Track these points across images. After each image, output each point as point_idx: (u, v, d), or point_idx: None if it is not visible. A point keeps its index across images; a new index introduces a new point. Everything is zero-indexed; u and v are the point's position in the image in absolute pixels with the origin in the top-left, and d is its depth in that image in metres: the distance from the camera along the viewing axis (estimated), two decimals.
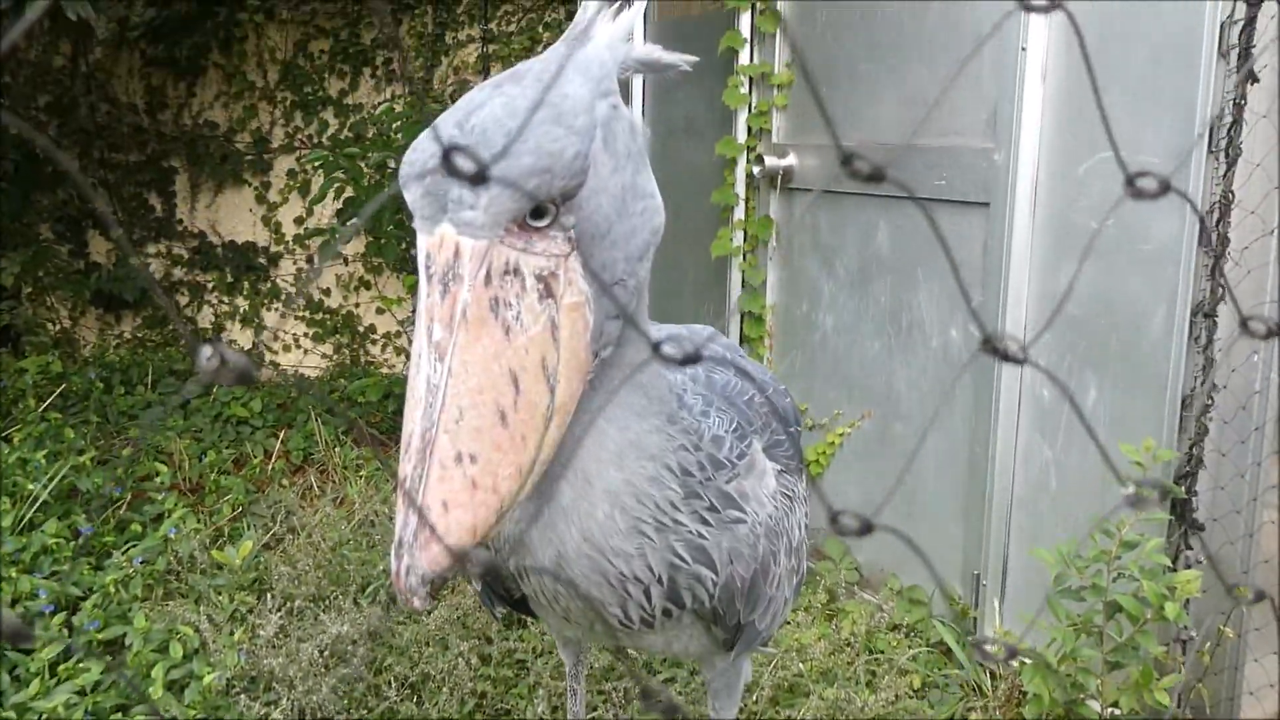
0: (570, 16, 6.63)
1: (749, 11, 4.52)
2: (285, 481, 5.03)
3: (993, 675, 3.42)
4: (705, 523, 1.56)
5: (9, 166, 6.97)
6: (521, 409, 1.21)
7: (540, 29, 6.65)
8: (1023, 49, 3.27)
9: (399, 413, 6.25)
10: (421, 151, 1.20)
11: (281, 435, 5.63)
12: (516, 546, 1.56)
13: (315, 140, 7.16)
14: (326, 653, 3.29)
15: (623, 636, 1.80)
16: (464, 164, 1.14)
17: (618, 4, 1.38)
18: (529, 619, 3.59)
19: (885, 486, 4.05)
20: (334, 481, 5.14)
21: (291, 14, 7.01)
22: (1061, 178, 3.27)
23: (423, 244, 1.22)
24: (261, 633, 3.36)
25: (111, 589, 3.58)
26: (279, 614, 3.49)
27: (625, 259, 1.31)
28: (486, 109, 1.20)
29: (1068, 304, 3.25)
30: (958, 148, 3.58)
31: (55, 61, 7.45)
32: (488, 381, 1.19)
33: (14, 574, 3.62)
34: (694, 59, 1.47)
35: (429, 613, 3.50)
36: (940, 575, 3.80)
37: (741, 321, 4.74)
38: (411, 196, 1.21)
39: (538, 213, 1.21)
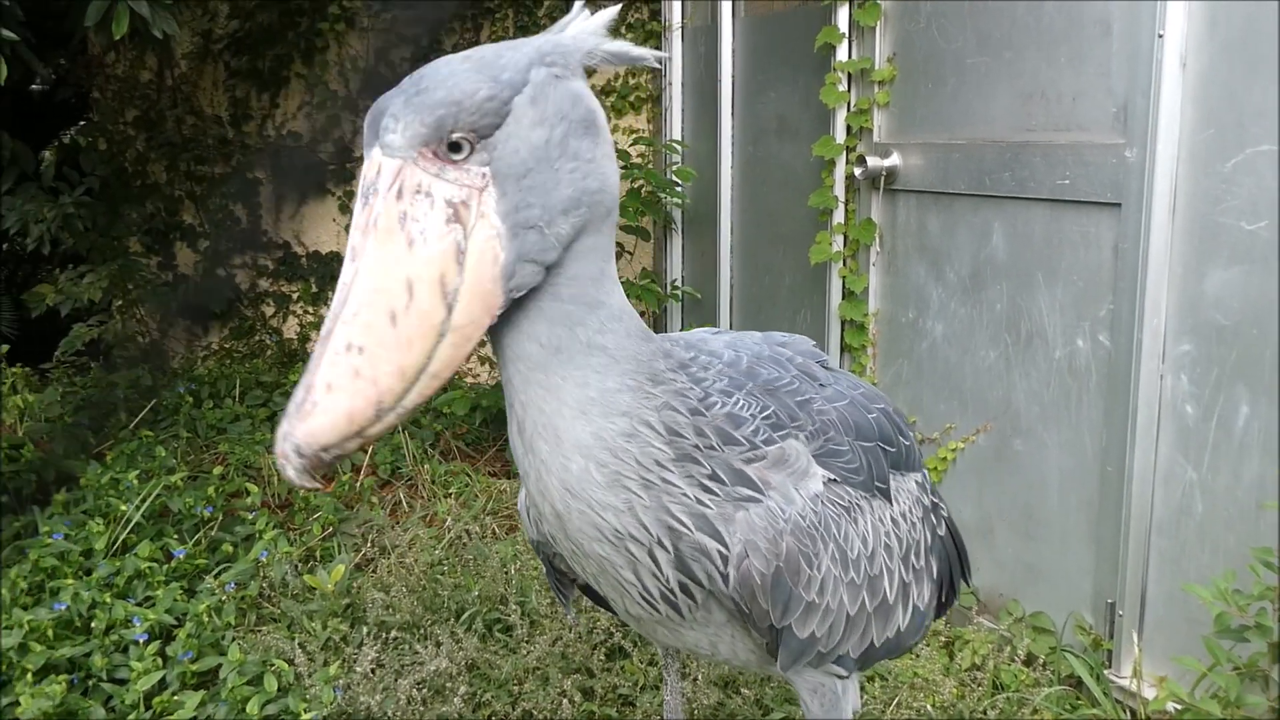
0: (654, 16, 6.49)
1: (846, 5, 4.31)
2: (374, 498, 4.94)
3: (1133, 715, 3.17)
4: (707, 490, 1.59)
5: (95, 181, 7.02)
6: (412, 315, 1.32)
7: (623, 29, 6.49)
8: (1159, 35, 3.02)
9: (485, 424, 6.16)
10: (380, 98, 1.39)
11: (369, 449, 5.55)
12: (533, 506, 1.66)
13: None
14: (424, 688, 3.17)
15: (666, 633, 1.84)
16: (394, 101, 1.36)
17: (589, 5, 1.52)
18: (632, 650, 3.44)
19: (1003, 505, 3.81)
20: (423, 498, 5.04)
21: (372, 22, 6.95)
22: (1205, 175, 3.01)
23: (362, 170, 1.38)
24: (357, 667, 3.25)
25: (205, 616, 3.50)
26: (374, 645, 3.37)
27: (543, 206, 1.38)
28: (432, 64, 1.40)
29: (1215, 313, 3.00)
30: (1083, 144, 3.34)
31: (142, 76, 7.49)
32: (385, 284, 1.32)
33: (108, 599, 3.56)
34: (660, 54, 1.60)
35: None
36: (1069, 602, 3.55)
37: (842, 330, 4.53)
38: (364, 131, 1.39)
39: (455, 147, 1.34)
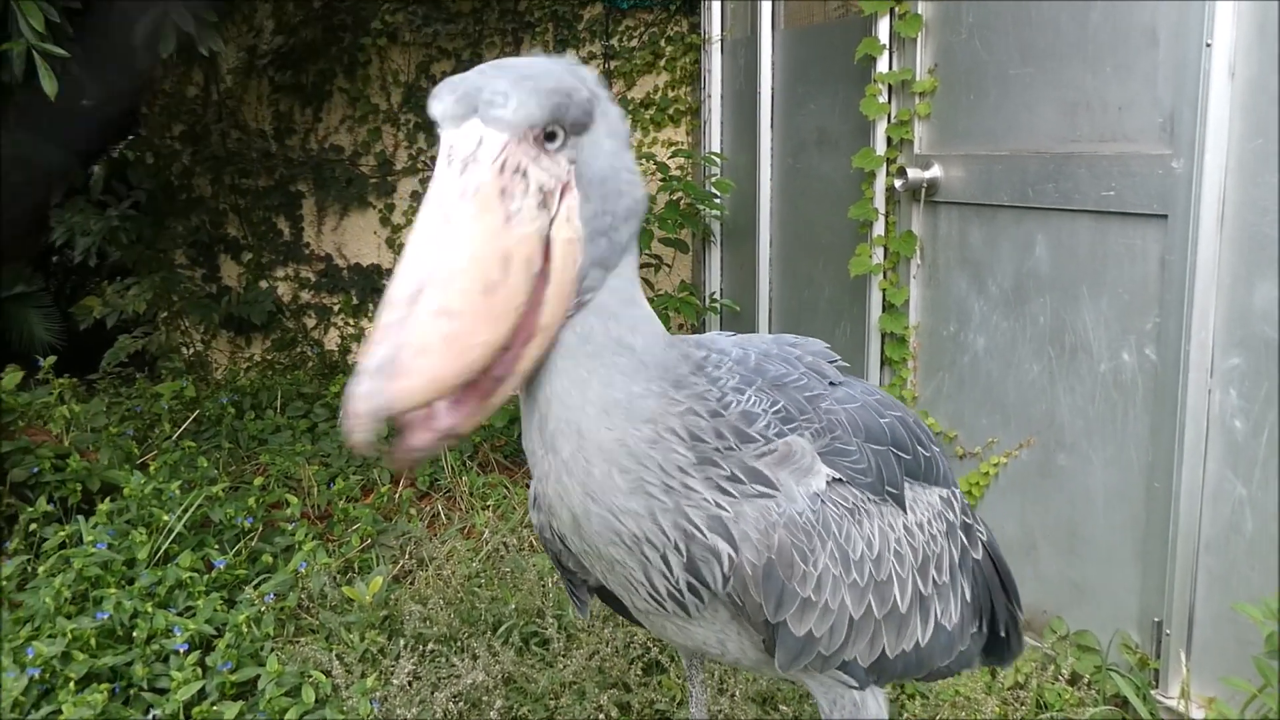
0: (694, 29, 6.49)
1: (887, 17, 4.28)
2: (412, 510, 4.95)
3: None
4: (725, 493, 1.60)
5: (142, 195, 7.13)
6: (503, 291, 1.32)
7: (663, 43, 6.50)
8: (1207, 44, 2.97)
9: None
10: (459, 77, 1.39)
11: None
12: (545, 507, 1.65)
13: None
14: (461, 701, 3.17)
15: (675, 630, 1.84)
16: (495, 80, 1.36)
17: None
18: (670, 663, 3.41)
19: (1047, 521, 3.75)
20: (461, 510, 5.05)
21: (414, 36, 7.01)
22: (1254, 185, 2.95)
23: (448, 139, 1.37)
24: (394, 680, 3.25)
25: (244, 627, 3.52)
26: (411, 658, 3.37)
27: (612, 214, 1.45)
28: (512, 60, 1.43)
29: (1264, 326, 2.93)
30: (1129, 155, 3.29)
31: (189, 91, 7.61)
32: (482, 254, 1.32)
33: (150, 609, 3.59)
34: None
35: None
36: (1114, 621, 3.48)
37: (883, 343, 4.49)
38: (442, 105, 1.37)
39: (551, 136, 1.38)
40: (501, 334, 1.33)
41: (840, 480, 1.75)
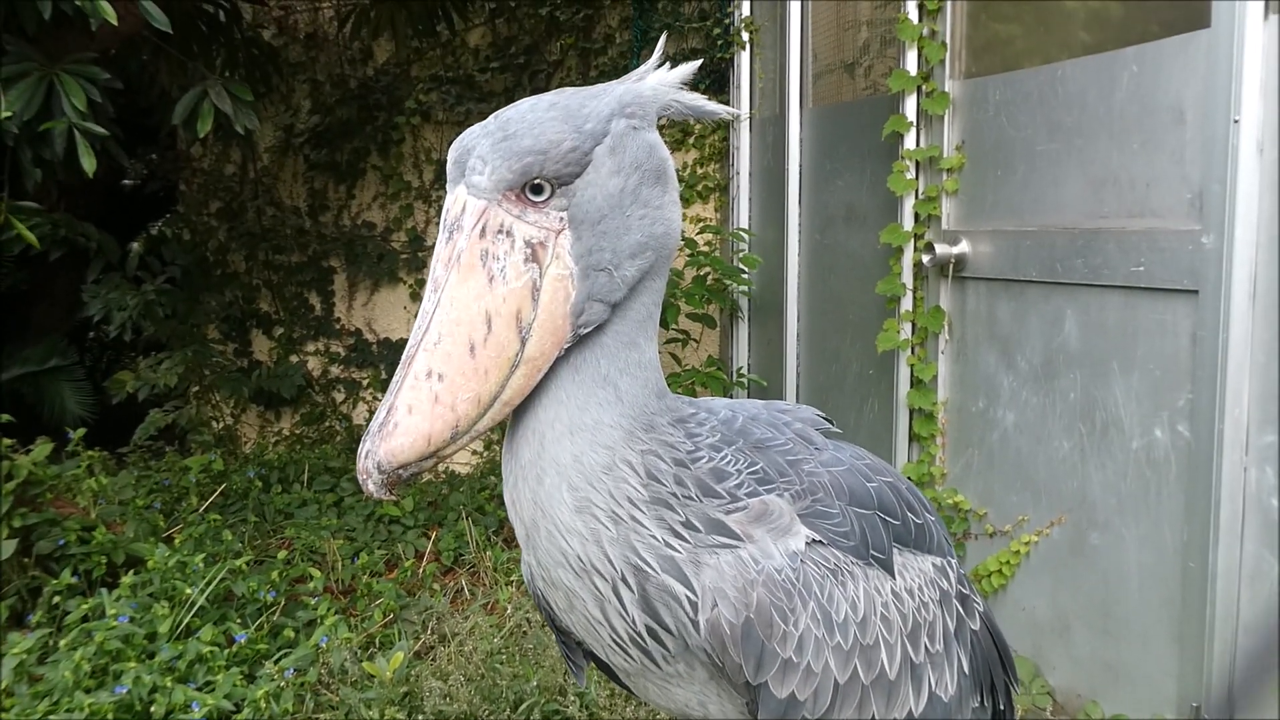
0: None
1: (914, 94, 4.32)
2: (436, 585, 4.91)
3: None
4: (678, 536, 1.59)
5: (177, 270, 7.25)
6: (489, 346, 1.43)
7: (691, 120, 6.57)
8: (1235, 120, 2.97)
9: None
10: (465, 134, 1.49)
11: (433, 535, 5.54)
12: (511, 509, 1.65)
13: None
14: None
15: (656, 691, 1.81)
16: (481, 142, 1.46)
17: (666, 62, 1.62)
18: None
19: (1079, 601, 3.66)
20: (485, 585, 5.00)
21: (447, 115, 7.14)
22: None
23: (445, 202, 1.48)
24: None
25: (263, 703, 3.48)
26: None
27: (613, 250, 1.49)
28: (517, 107, 1.48)
29: None
30: (1158, 230, 3.27)
31: (226, 169, 7.77)
32: (465, 317, 1.43)
33: (169, 683, 3.56)
34: (734, 110, 1.71)
35: None
36: (1151, 705, 3.37)
37: (911, 419, 4.45)
38: (448, 166, 1.49)
39: (537, 190, 1.44)
40: (492, 385, 1.44)
41: (820, 542, 1.72)
